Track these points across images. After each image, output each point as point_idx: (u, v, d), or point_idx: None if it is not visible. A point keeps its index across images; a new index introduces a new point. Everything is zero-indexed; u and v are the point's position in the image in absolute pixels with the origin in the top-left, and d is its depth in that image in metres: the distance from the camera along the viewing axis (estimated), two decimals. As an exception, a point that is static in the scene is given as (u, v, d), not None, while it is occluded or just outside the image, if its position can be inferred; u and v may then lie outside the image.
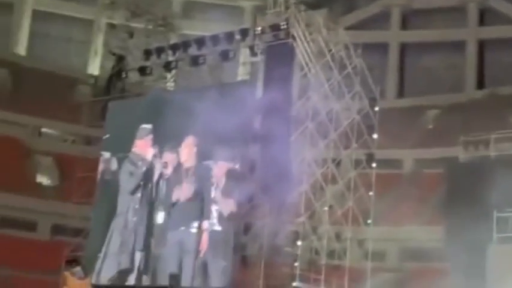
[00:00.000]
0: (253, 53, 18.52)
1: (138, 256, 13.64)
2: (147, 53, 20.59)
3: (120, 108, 19.57)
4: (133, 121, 17.59)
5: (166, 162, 12.90)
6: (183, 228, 12.37)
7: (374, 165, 19.14)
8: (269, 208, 16.99)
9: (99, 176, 18.52)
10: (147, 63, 20.46)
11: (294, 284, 16.38)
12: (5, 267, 31.06)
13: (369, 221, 18.94)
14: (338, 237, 18.35)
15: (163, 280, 12.89)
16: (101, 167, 18.45)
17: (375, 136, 19.27)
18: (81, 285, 14.01)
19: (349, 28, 27.25)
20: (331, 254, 18.08)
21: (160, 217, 12.79)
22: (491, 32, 40.43)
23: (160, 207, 12.89)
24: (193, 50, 19.60)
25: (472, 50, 40.35)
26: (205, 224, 12.40)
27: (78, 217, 20.22)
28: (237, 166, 14.50)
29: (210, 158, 14.39)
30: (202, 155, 14.01)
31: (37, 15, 42.53)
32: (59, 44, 43.11)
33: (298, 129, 17.48)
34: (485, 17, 41.16)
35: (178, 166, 13.09)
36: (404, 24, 42.55)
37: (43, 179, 36.19)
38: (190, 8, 43.45)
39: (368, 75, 19.47)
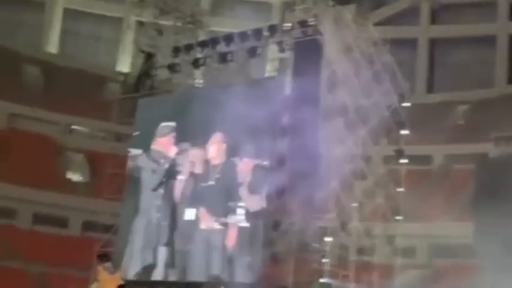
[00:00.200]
0: (282, 49, 18.52)
1: (162, 252, 13.75)
2: (176, 50, 20.69)
3: (149, 105, 19.70)
4: (162, 118, 17.69)
5: (193, 161, 12.96)
6: (210, 224, 12.42)
7: (403, 161, 19.05)
8: (298, 204, 17.01)
9: (128, 173, 18.69)
10: (176, 61, 20.55)
11: (323, 280, 16.39)
12: (37, 263, 31.51)
13: (399, 217, 18.86)
14: (367, 233, 18.30)
15: (193, 276, 12.98)
16: (129, 163, 18.61)
17: (405, 132, 19.17)
18: (111, 279, 14.20)
19: (378, 24, 27.14)
20: (360, 250, 18.04)
21: (188, 214, 12.87)
22: (522, 26, 39.98)
23: (188, 204, 12.96)
24: (221, 47, 19.65)
25: (502, 44, 39.89)
26: (232, 220, 12.44)
27: (109, 213, 20.41)
28: (265, 162, 14.53)
29: (238, 154, 14.43)
30: (231, 152, 14.06)
31: (68, 13, 42.95)
32: (89, 42, 43.50)
33: (327, 126, 17.45)
34: (516, 11, 40.69)
35: (206, 163, 13.15)
36: (434, 19, 42.19)
37: (74, 176, 36.59)
38: (219, 5, 43.53)
39: (397, 71, 19.38)
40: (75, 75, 38.10)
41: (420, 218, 30.05)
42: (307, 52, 17.59)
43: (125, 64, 41.22)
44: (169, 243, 13.86)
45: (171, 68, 20.61)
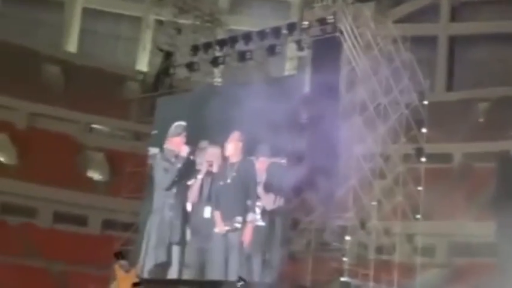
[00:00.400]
0: (300, 48, 18.46)
1: (176, 250, 13.76)
2: (195, 49, 20.70)
3: (168, 104, 19.74)
4: (181, 117, 17.71)
5: (211, 160, 12.94)
6: (228, 222, 12.41)
7: (423, 159, 18.94)
8: (317, 203, 16.97)
9: (148, 172, 18.74)
10: (195, 59, 20.57)
11: (342, 279, 16.33)
12: (58, 261, 31.71)
13: (418, 216, 18.75)
14: (387, 232, 18.22)
15: (211, 274, 12.98)
16: (149, 162, 18.67)
17: (424, 130, 19.06)
18: (126, 277, 14.26)
19: (397, 21, 26.97)
20: (379, 249, 17.96)
21: (206, 212, 12.87)
22: (543, 23, 39.57)
23: (206, 203, 12.96)
24: (240, 46, 19.63)
25: (523, 41, 39.57)
26: (250, 217, 12.41)
27: (128, 212, 20.51)
28: (283, 161, 14.50)
29: (254, 153, 14.42)
30: (248, 150, 14.04)
31: (87, 13, 43.18)
32: (108, 41, 43.70)
33: (346, 124, 17.39)
34: (537, 7, 40.30)
35: (224, 161, 13.14)
36: (454, 17, 41.93)
37: (94, 175, 36.80)
38: (237, 4, 43.52)
39: (417, 68, 19.26)
40: (94, 74, 38.30)
41: (440, 216, 29.88)
42: (326, 50, 17.53)
43: (144, 63, 41.37)
44: (183, 242, 13.88)
45: (190, 66, 20.63)
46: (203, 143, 15.20)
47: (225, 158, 13.32)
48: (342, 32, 17.54)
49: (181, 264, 13.68)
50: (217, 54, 20.18)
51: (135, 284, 13.76)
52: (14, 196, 33.69)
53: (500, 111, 35.72)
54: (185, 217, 13.61)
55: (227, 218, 12.35)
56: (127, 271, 14.16)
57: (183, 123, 14.66)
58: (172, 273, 13.98)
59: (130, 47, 43.09)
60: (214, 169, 13.08)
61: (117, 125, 38.69)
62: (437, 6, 41.72)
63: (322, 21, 17.86)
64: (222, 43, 20.24)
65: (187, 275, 13.74)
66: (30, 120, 37.40)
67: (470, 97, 37.68)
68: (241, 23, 36.98)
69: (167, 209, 13.29)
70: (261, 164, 13.68)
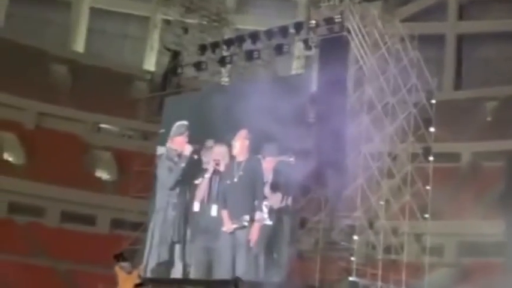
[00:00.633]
0: (308, 47, 18.43)
1: (178, 249, 13.75)
2: (202, 48, 20.70)
3: (176, 103, 19.75)
4: (188, 116, 17.70)
5: (218, 159, 12.91)
6: (235, 221, 12.38)
7: (431, 158, 18.88)
8: (324, 202, 16.95)
9: (155, 170, 18.74)
10: (202, 59, 20.57)
11: (351, 278, 16.30)
12: (65, 260, 31.80)
13: (426, 216, 18.69)
14: (395, 231, 18.17)
15: (219, 274, 12.93)
16: (156, 161, 18.68)
17: (432, 129, 19.00)
18: (127, 278, 14.23)
19: (405, 20, 26.92)
20: (388, 248, 17.91)
21: (214, 210, 12.83)
22: (552, 21, 39.43)
23: (213, 201, 12.93)
24: (247, 45, 19.61)
25: (531, 40, 39.45)
26: (257, 216, 12.37)
27: (136, 211, 20.54)
28: (291, 159, 14.47)
29: (260, 152, 14.39)
30: (254, 149, 14.01)
31: (94, 12, 43.29)
32: (116, 40, 43.81)
33: (354, 123, 17.36)
34: (545, 6, 40.15)
35: (231, 160, 13.10)
36: (461, 15, 41.83)
37: (102, 174, 36.90)
38: (244, 3, 43.53)
39: (424, 67, 19.21)
40: (102, 73, 38.40)
41: (448, 216, 29.82)
42: (334, 49, 17.49)
43: (151, 62, 41.46)
44: (185, 241, 13.87)
45: (197, 66, 20.62)
46: (209, 142, 15.18)
47: (232, 157, 13.28)
48: (349, 31, 17.50)
49: (184, 263, 13.65)
50: (225, 53, 20.17)
51: (137, 285, 13.72)
52: (22, 195, 33.82)
53: (508, 110, 35.61)
54: (188, 216, 13.60)
55: (234, 217, 12.31)
56: (129, 272, 14.12)
57: (185, 122, 14.64)
58: (176, 273, 13.96)
59: (137, 46, 43.18)
60: (221, 168, 13.03)
61: (124, 124, 38.79)
62: (444, 5, 41.63)
63: (329, 21, 17.82)
64: (229, 42, 20.23)
65: (193, 274, 13.72)
66: (38, 120, 37.53)
67: (478, 96, 37.58)
68: (248, 23, 36.99)
69: (170, 208, 13.27)
70: (268, 164, 13.62)
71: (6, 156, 35.39)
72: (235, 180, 12.78)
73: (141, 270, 14.13)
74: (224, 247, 12.74)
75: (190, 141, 13.81)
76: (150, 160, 19.44)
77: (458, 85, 40.84)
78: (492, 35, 40.00)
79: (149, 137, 29.40)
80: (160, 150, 17.67)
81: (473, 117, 36.56)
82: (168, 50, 21.83)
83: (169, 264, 13.44)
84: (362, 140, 17.35)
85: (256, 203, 12.70)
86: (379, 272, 17.02)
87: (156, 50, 39.17)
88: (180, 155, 13.36)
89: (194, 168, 13.42)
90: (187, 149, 13.31)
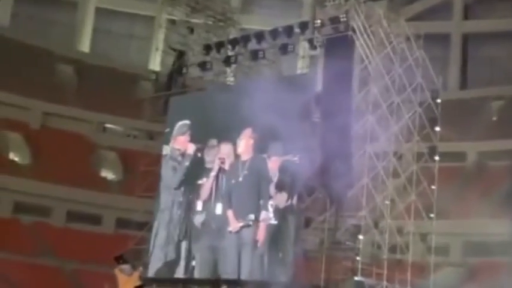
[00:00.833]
0: (313, 46, 18.43)
1: (184, 247, 13.78)
2: (207, 48, 20.72)
3: (181, 103, 19.78)
4: (193, 115, 17.73)
5: (223, 158, 12.95)
6: (241, 220, 12.39)
7: (437, 158, 18.85)
8: (330, 202, 16.93)
9: (160, 170, 18.76)
10: (207, 58, 20.59)
11: (356, 278, 16.29)
12: (71, 260, 31.86)
13: (432, 215, 18.67)
14: (400, 231, 18.14)
15: (225, 273, 12.96)
16: (162, 161, 18.70)
17: (438, 129, 18.97)
18: (128, 280, 14.21)
19: (410, 19, 26.89)
20: (393, 248, 17.89)
21: (218, 208, 12.85)
22: (558, 20, 39.33)
23: (218, 200, 12.96)
24: (252, 45, 19.63)
25: (537, 39, 39.33)
26: (263, 215, 12.38)
27: (142, 211, 20.56)
28: (295, 158, 14.47)
29: (266, 151, 14.41)
30: (259, 148, 14.03)
31: (100, 12, 43.35)
32: (121, 40, 43.86)
33: (359, 123, 17.34)
34: (551, 4, 40.05)
35: (236, 159, 13.13)
36: (467, 15, 41.74)
37: (107, 174, 36.95)
38: (249, 3, 43.57)
39: (430, 66, 19.18)
40: (107, 73, 38.45)
41: (454, 215, 29.76)
42: (339, 49, 17.48)
43: (156, 62, 41.48)
44: (190, 240, 13.88)
45: (202, 66, 20.65)
46: (213, 141, 15.21)
47: (236, 156, 13.30)
48: (354, 31, 17.48)
49: (189, 262, 13.70)
50: (230, 53, 20.19)
51: (138, 287, 13.71)
52: (28, 195, 33.89)
53: (514, 110, 35.55)
54: (193, 215, 13.62)
55: (240, 216, 12.33)
56: (129, 274, 14.10)
57: (187, 121, 14.71)
58: (180, 271, 13.97)
59: (143, 46, 43.23)
60: (226, 166, 13.06)
61: (130, 124, 38.83)
62: (450, 4, 41.55)
63: (334, 20, 17.81)
64: (234, 42, 20.25)
65: (198, 273, 13.73)
66: (44, 120, 37.60)
67: (483, 95, 37.50)
68: (253, 22, 37.03)
69: (176, 207, 13.32)
70: (274, 163, 13.66)
71: (12, 156, 35.47)
72: (240, 179, 12.81)
73: (142, 271, 14.14)
74: (230, 246, 12.76)
75: (194, 141, 13.85)
76: (156, 160, 19.46)
77: (463, 84, 40.76)
78: (497, 34, 39.89)
79: (154, 136, 29.40)
80: (166, 149, 17.71)
81: (478, 116, 36.49)
82: (174, 50, 21.83)
83: (175, 263, 13.48)
84: (367, 139, 17.33)
85: (261, 202, 12.73)
86: (385, 272, 17.00)
87: (161, 50, 39.15)
88: (183, 154, 13.43)
89: (198, 167, 13.46)
90: (191, 148, 13.37)
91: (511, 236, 26.49)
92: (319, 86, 17.61)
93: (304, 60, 20.61)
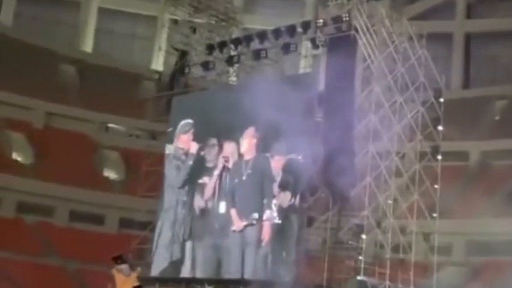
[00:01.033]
0: (315, 46, 18.44)
1: (189, 247, 13.79)
2: (210, 48, 20.74)
3: (183, 102, 19.79)
4: (196, 115, 17.74)
5: (227, 156, 12.97)
6: (244, 219, 12.39)
7: (439, 157, 18.83)
8: (332, 201, 16.93)
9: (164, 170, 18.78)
10: (210, 58, 20.61)
11: (359, 277, 16.28)
12: (74, 260, 31.89)
13: (435, 215, 18.65)
14: (403, 231, 18.12)
15: (228, 272, 12.97)
16: (165, 160, 18.71)
17: (440, 128, 18.95)
18: (126, 281, 14.18)
19: (412, 18, 26.85)
20: (396, 248, 17.87)
21: (222, 207, 12.86)
22: (560, 19, 39.26)
23: (221, 199, 12.97)
24: (255, 44, 19.64)
25: (540, 38, 39.26)
26: (267, 214, 12.39)
27: (144, 210, 20.57)
28: (299, 157, 14.47)
29: (269, 150, 14.40)
30: (262, 147, 14.03)
31: (102, 12, 43.36)
32: (124, 40, 43.88)
33: (362, 122, 17.34)
34: (553, 4, 39.99)
35: (239, 158, 13.14)
36: (469, 14, 41.69)
37: (110, 174, 36.97)
38: (252, 2, 43.57)
39: (432, 66, 19.16)
40: (110, 73, 38.46)
41: (457, 215, 29.74)
42: (341, 48, 17.49)
43: (159, 62, 41.48)
44: (195, 239, 13.88)
45: (205, 65, 20.67)
46: (212, 140, 15.21)
47: (240, 155, 13.32)
48: (357, 30, 17.48)
49: (194, 261, 13.70)
50: (232, 53, 20.21)
51: (136, 287, 13.67)
52: (31, 195, 33.93)
53: (516, 109, 35.51)
54: (197, 214, 13.63)
55: (243, 215, 12.34)
56: (128, 275, 14.06)
57: (190, 120, 14.74)
58: (185, 271, 13.97)
59: (145, 46, 43.25)
60: (230, 165, 13.08)
61: (132, 124, 38.85)
62: (452, 3, 41.50)
63: (337, 19, 17.81)
64: (237, 42, 20.26)
65: (201, 272, 13.73)
66: (47, 120, 37.64)
67: (486, 94, 37.44)
68: (256, 22, 37.01)
69: (180, 206, 13.33)
70: (277, 163, 13.66)
71: (15, 156, 35.51)
72: (244, 178, 12.80)
73: (140, 271, 14.11)
74: (233, 245, 12.76)
75: (196, 140, 13.86)
76: (158, 159, 19.47)
77: (466, 84, 40.71)
78: (500, 34, 39.84)
79: (157, 136, 29.45)
80: (169, 149, 17.73)
81: (481, 115, 36.45)
82: (176, 49, 21.85)
83: (180, 262, 13.48)
84: (370, 138, 17.32)
85: (265, 201, 12.74)
86: (387, 271, 16.99)
87: (164, 50, 39.19)
88: (186, 154, 13.45)
89: (200, 166, 13.47)
90: (194, 147, 13.39)
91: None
92: (321, 85, 17.61)
93: (307, 60, 20.62)
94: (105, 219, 35.59)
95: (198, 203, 13.53)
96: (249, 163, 12.88)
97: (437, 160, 18.80)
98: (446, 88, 20.36)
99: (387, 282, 16.95)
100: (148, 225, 19.78)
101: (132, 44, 44.05)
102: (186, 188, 13.48)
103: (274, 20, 29.54)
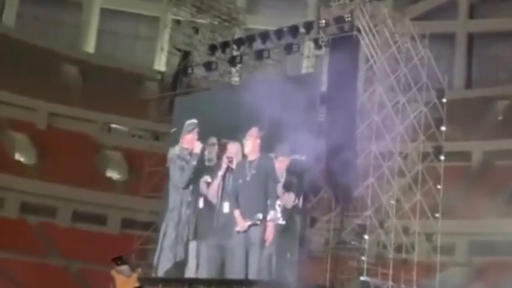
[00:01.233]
0: (318, 46, 18.43)
1: (192, 247, 13.75)
2: (212, 48, 20.74)
3: (186, 103, 19.80)
4: (198, 115, 17.74)
5: (231, 157, 12.93)
6: (248, 219, 12.36)
7: (442, 157, 18.82)
8: (335, 201, 16.92)
9: (166, 170, 18.79)
10: (212, 59, 20.61)
11: (362, 278, 16.27)
12: (76, 260, 31.93)
13: (437, 215, 18.64)
14: (406, 231, 18.11)
15: (232, 273, 12.93)
16: (168, 161, 18.71)
17: (443, 128, 18.94)
18: (126, 282, 14.13)
19: (415, 19, 26.88)
20: (398, 248, 17.87)
21: (226, 207, 12.83)
22: None
23: (225, 199, 12.93)
24: (257, 45, 19.64)
25: (542, 38, 39.23)
26: (271, 216, 12.35)
27: (147, 211, 20.60)
28: (303, 157, 14.45)
29: (272, 151, 14.40)
30: (266, 148, 14.02)
31: (105, 13, 43.40)
32: (126, 41, 43.91)
33: (364, 122, 17.33)
34: (556, 3, 39.94)
35: (243, 158, 13.11)
36: (472, 14, 41.66)
37: (113, 174, 37.02)
38: (255, 3, 43.59)
39: (435, 66, 19.15)
40: (112, 74, 38.51)
41: (459, 215, 29.72)
42: (344, 48, 17.48)
43: (161, 63, 41.52)
44: (199, 239, 13.86)
45: (208, 66, 20.67)
46: (212, 139, 15.21)
47: (244, 156, 13.29)
48: (359, 30, 17.47)
49: (198, 261, 13.67)
50: (235, 53, 20.20)
51: None
52: (34, 196, 33.99)
53: (519, 109, 35.49)
54: (201, 214, 13.61)
55: (247, 216, 12.30)
56: (128, 276, 14.03)
57: (194, 120, 14.72)
58: (190, 272, 13.94)
59: (148, 46, 43.28)
60: (234, 166, 13.04)
61: (135, 124, 38.90)
62: (455, 3, 41.48)
63: (339, 20, 17.80)
64: (239, 42, 20.26)
65: (205, 273, 13.71)
66: (50, 120, 37.69)
67: (489, 95, 37.43)
68: (259, 22, 37.03)
69: (185, 206, 13.31)
70: (281, 164, 13.62)
71: (18, 156, 35.56)
72: (248, 179, 12.76)
73: (141, 272, 14.09)
74: (237, 245, 12.71)
75: (200, 140, 13.85)
76: (161, 160, 19.49)
77: (469, 84, 40.68)
78: (503, 34, 39.81)
79: (160, 137, 29.48)
80: (172, 150, 17.72)
81: (484, 116, 36.43)
82: (179, 50, 21.86)
83: (185, 263, 13.46)
84: (372, 139, 17.32)
85: (269, 202, 12.69)
86: (390, 272, 16.99)
87: (167, 50, 39.23)
88: (191, 153, 13.43)
89: (203, 165, 13.46)
90: (198, 147, 13.36)
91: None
92: (324, 86, 17.60)
93: (309, 60, 20.63)
94: (108, 219, 35.64)
95: (202, 203, 13.52)
96: (253, 164, 12.83)
97: (440, 160, 18.78)
98: (449, 88, 20.35)
99: (390, 283, 16.94)
100: (151, 226, 19.83)
101: (134, 44, 44.09)
102: (191, 188, 13.45)
103: (277, 20, 29.55)
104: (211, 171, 13.38)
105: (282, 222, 12.95)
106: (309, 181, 14.45)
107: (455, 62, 40.51)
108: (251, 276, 12.77)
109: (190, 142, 13.25)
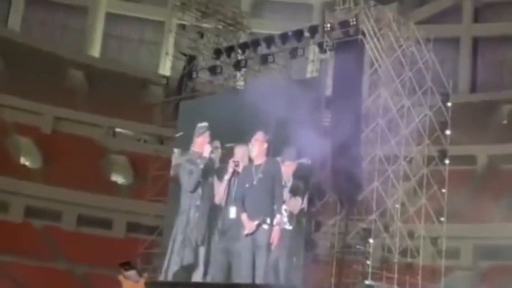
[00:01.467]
0: (323, 50, 18.46)
1: (202, 251, 13.79)
2: (217, 53, 20.80)
3: (191, 107, 19.84)
4: (204, 120, 17.80)
5: (238, 161, 12.99)
6: (255, 223, 12.40)
7: (447, 161, 18.82)
8: (340, 205, 16.93)
9: (171, 175, 18.83)
10: (217, 63, 20.67)
11: (367, 282, 16.27)
12: (81, 264, 31.96)
13: (442, 219, 18.64)
14: (411, 235, 18.11)
15: (239, 277, 12.97)
16: (172, 164, 18.74)
17: (448, 132, 18.94)
18: (134, 286, 14.16)
19: (420, 22, 26.82)
20: (403, 252, 17.87)
21: (232, 212, 12.88)
22: None
23: (232, 203, 12.98)
24: (262, 49, 19.69)
25: (547, 42, 39.17)
26: (277, 220, 12.40)
27: (152, 215, 20.61)
28: (309, 162, 14.48)
29: (279, 155, 14.44)
30: (272, 152, 14.06)
31: (110, 17, 43.47)
32: (131, 45, 43.98)
33: (369, 126, 17.34)
34: (561, 7, 39.88)
35: (250, 162, 13.16)
36: (477, 18, 41.59)
37: (118, 178, 37.04)
38: (259, 7, 43.62)
39: (440, 70, 19.16)
40: (117, 78, 38.55)
41: (464, 219, 29.67)
42: (349, 52, 17.51)
43: (166, 67, 41.53)
44: (209, 243, 13.89)
45: (212, 70, 20.72)
46: (215, 143, 15.26)
47: (250, 160, 13.34)
48: (364, 34, 17.50)
49: (207, 266, 13.71)
50: (240, 57, 20.25)
51: None
52: (39, 199, 34.02)
53: (524, 113, 35.43)
54: (214, 218, 13.64)
55: (254, 218, 12.35)
56: (136, 281, 14.06)
57: (205, 123, 14.79)
58: (198, 275, 13.97)
59: (153, 51, 43.32)
60: (240, 169, 13.10)
61: (140, 128, 38.92)
62: (459, 8, 41.41)
63: (344, 24, 17.84)
64: (244, 46, 20.32)
65: (212, 276, 13.74)
66: (55, 125, 37.75)
67: (493, 99, 37.35)
68: (263, 27, 37.03)
69: (193, 210, 13.36)
70: (288, 168, 13.68)
71: (23, 160, 35.63)
72: (255, 183, 12.81)
73: (147, 277, 14.12)
74: (244, 249, 12.76)
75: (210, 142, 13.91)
76: (166, 164, 19.52)
77: (473, 88, 40.62)
78: (507, 38, 39.72)
79: (165, 141, 29.49)
80: (177, 152, 17.74)
81: (489, 119, 36.37)
82: (184, 54, 21.92)
83: (192, 267, 13.48)
84: (377, 142, 17.33)
85: (275, 206, 12.75)
86: (395, 276, 16.99)
87: (172, 55, 39.27)
88: (200, 157, 13.49)
89: (210, 168, 13.51)
90: (207, 150, 13.43)
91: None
92: (329, 90, 17.62)
93: (314, 64, 20.65)
94: (113, 223, 35.65)
95: (209, 206, 13.57)
96: (260, 168, 12.89)
97: (444, 164, 18.79)
98: (453, 92, 20.35)
99: (395, 287, 16.94)
100: (156, 230, 19.85)
101: (139, 48, 44.14)
102: (199, 191, 13.51)
103: (282, 24, 29.61)
104: (219, 174, 13.46)
105: (288, 227, 12.98)
106: (315, 185, 14.48)
107: (460, 66, 40.45)
108: (258, 280, 12.79)
109: (200, 145, 13.32)
